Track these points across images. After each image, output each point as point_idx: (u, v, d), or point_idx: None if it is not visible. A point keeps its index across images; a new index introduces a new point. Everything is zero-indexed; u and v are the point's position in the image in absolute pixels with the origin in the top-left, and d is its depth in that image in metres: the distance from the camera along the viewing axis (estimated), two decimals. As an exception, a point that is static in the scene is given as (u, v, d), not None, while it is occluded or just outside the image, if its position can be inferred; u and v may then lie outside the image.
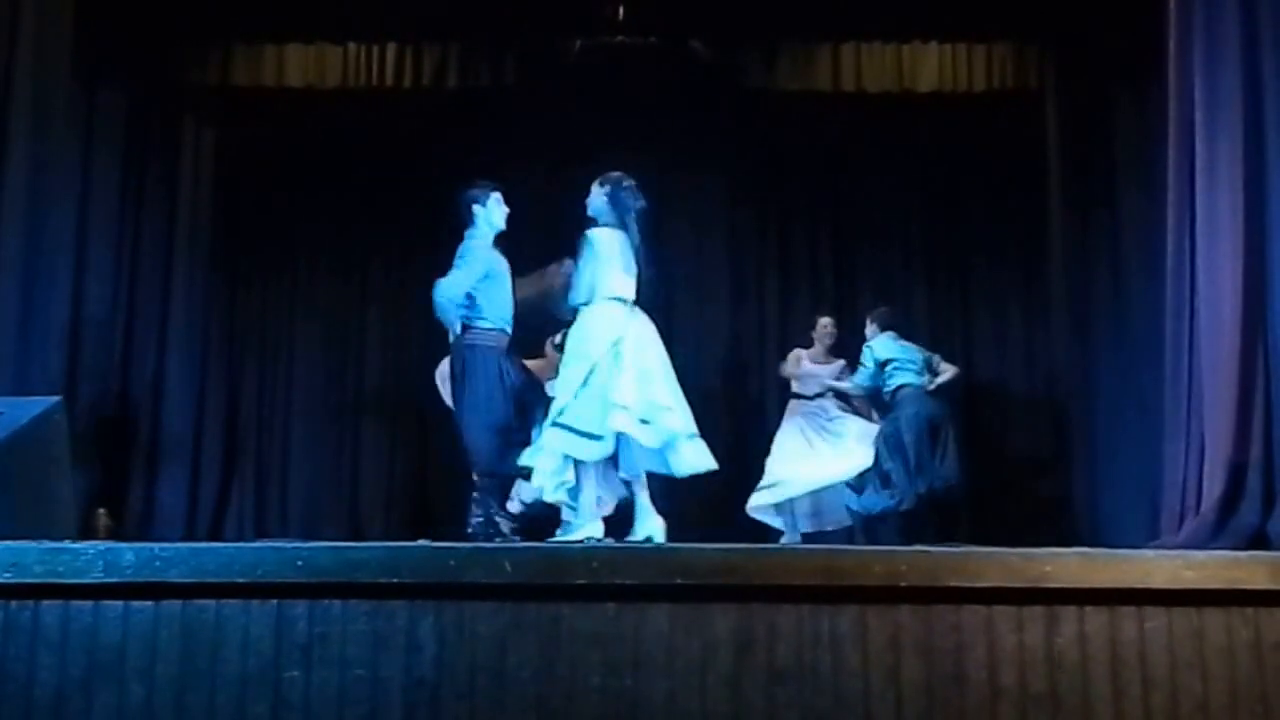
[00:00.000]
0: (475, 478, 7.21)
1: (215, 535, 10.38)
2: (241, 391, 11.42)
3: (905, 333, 10.07)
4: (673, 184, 11.38)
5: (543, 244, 11.18)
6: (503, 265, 7.32)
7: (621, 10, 9.91)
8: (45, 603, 4.20)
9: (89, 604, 4.20)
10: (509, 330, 7.28)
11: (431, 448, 10.37)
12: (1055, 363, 10.46)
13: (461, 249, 7.27)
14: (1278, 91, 6.22)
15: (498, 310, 7.23)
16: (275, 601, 4.20)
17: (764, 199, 11.78)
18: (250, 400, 11.44)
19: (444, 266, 11.57)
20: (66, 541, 4.73)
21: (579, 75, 10.48)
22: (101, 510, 8.91)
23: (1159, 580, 4.31)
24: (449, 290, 7.18)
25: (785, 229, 11.78)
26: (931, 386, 9.64)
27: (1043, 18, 10.02)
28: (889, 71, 10.58)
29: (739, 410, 11.04)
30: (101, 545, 4.40)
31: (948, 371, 9.80)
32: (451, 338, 7.33)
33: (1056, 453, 10.38)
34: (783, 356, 11.05)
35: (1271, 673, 4.27)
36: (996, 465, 11.08)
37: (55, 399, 6.30)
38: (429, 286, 11.60)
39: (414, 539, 8.36)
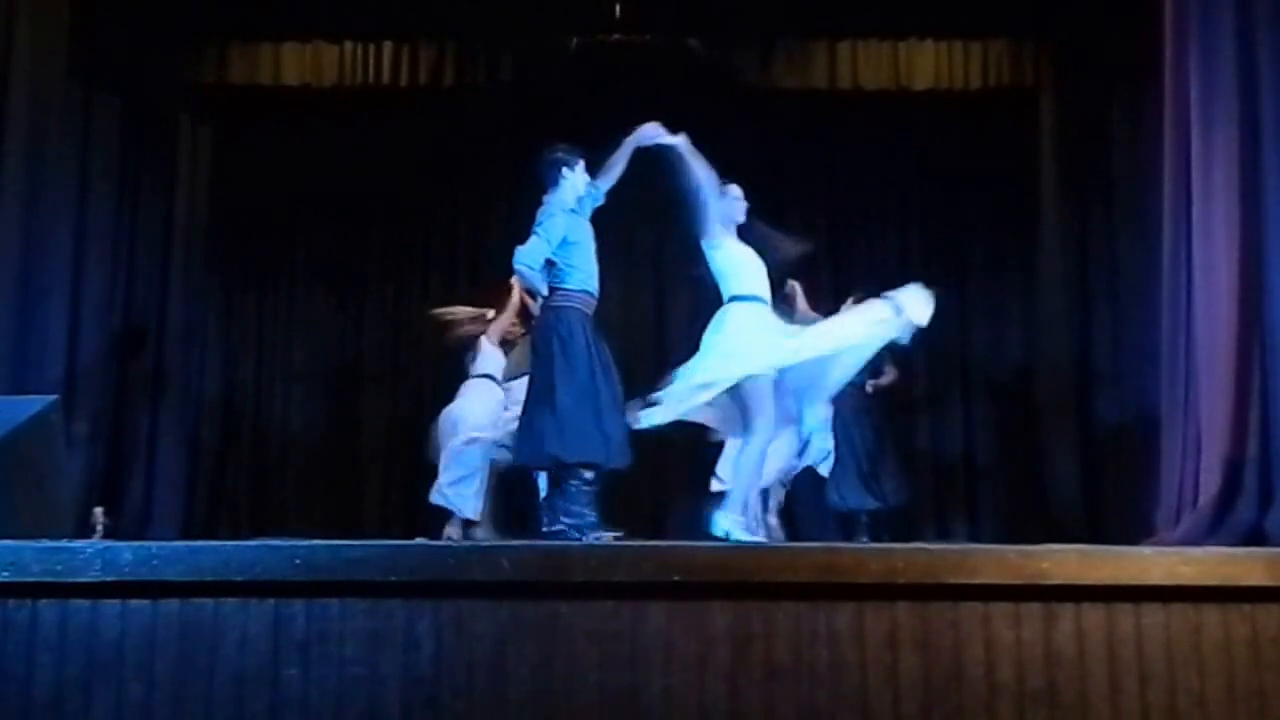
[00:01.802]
0: (561, 471, 6.64)
1: (212, 534, 10.38)
2: (239, 388, 11.43)
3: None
4: (667, 180, 11.37)
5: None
6: (585, 229, 6.95)
7: (618, 8, 9.92)
8: (43, 602, 4.19)
9: (86, 603, 4.19)
10: (595, 295, 6.89)
11: (429, 447, 10.34)
12: (1051, 359, 10.46)
13: (541, 214, 6.88)
14: (1273, 89, 6.23)
15: (582, 274, 6.85)
16: (273, 600, 4.20)
17: (760, 196, 11.74)
18: (248, 397, 11.45)
19: (441, 264, 11.70)
20: (64, 540, 4.74)
21: (576, 73, 10.48)
22: (98, 509, 8.90)
23: (1156, 577, 4.31)
24: (527, 257, 6.74)
25: (781, 225, 11.76)
26: (869, 388, 9.66)
27: (1039, 15, 10.04)
28: (885, 69, 10.59)
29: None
30: (99, 544, 4.40)
31: (890, 374, 9.82)
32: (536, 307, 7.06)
33: (1053, 449, 10.38)
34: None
35: (1268, 668, 4.27)
36: (992, 462, 11.10)
37: (52, 398, 6.31)
38: (426, 283, 11.72)
39: (412, 537, 8.41)
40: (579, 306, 6.79)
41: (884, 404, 9.87)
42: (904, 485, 9.73)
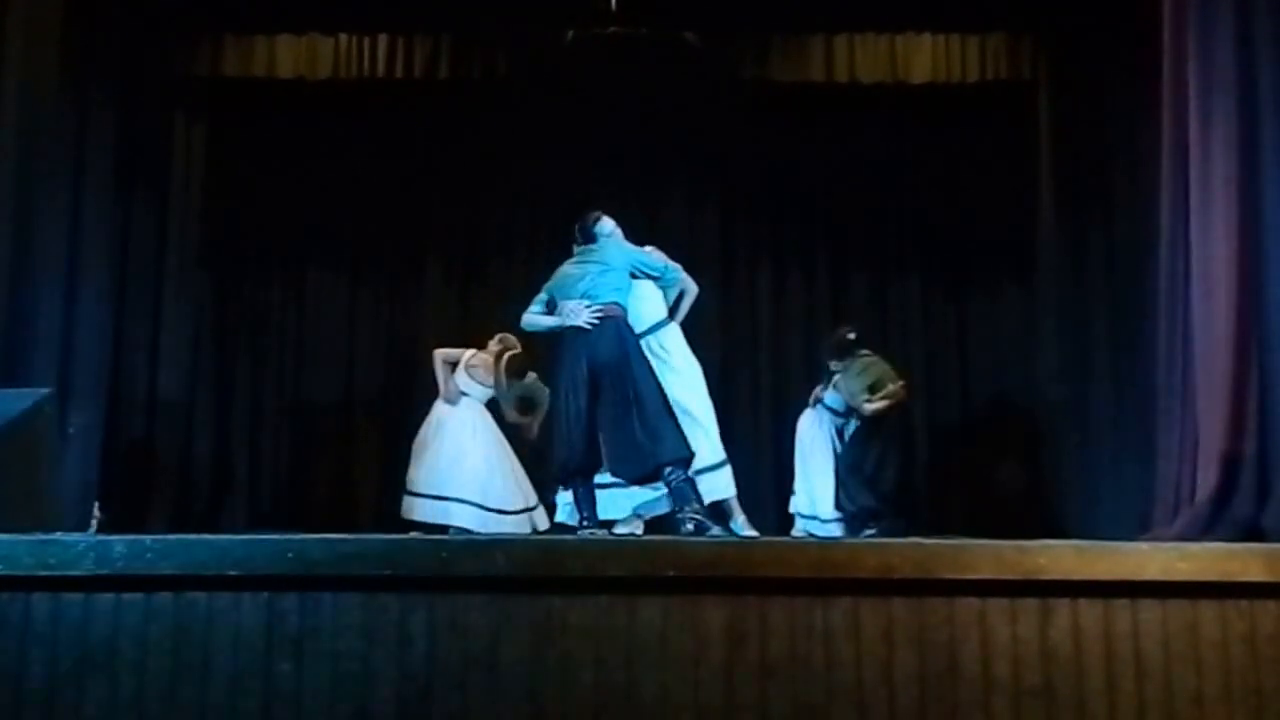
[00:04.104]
0: (669, 469, 6.79)
1: (208, 527, 10.36)
2: (234, 382, 11.41)
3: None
4: (664, 176, 11.38)
5: (535, 234, 11.27)
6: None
7: (614, 1, 9.89)
8: (36, 595, 4.19)
9: (80, 596, 4.19)
10: None
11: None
12: (1048, 353, 10.44)
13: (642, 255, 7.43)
14: (1272, 83, 6.22)
15: None
16: (267, 594, 4.19)
17: (757, 189, 11.77)
18: (243, 391, 11.43)
19: (438, 258, 11.68)
20: (57, 534, 4.73)
21: (571, 66, 10.46)
22: (94, 503, 8.88)
23: (1153, 573, 4.30)
24: None
25: (778, 219, 11.77)
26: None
27: (1036, 9, 10.02)
28: (882, 63, 10.57)
29: (729, 403, 11.01)
30: (92, 537, 4.41)
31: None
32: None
33: (1049, 444, 10.37)
34: (776, 347, 11.13)
35: (1266, 665, 4.26)
36: (989, 457, 11.08)
37: (45, 391, 6.29)
38: (422, 276, 11.70)
39: (406, 532, 8.38)
40: None
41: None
42: (906, 487, 9.80)
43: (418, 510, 8.91)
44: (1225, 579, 4.32)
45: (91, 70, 9.16)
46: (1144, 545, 5.00)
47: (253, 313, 11.57)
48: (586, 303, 6.94)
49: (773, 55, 10.69)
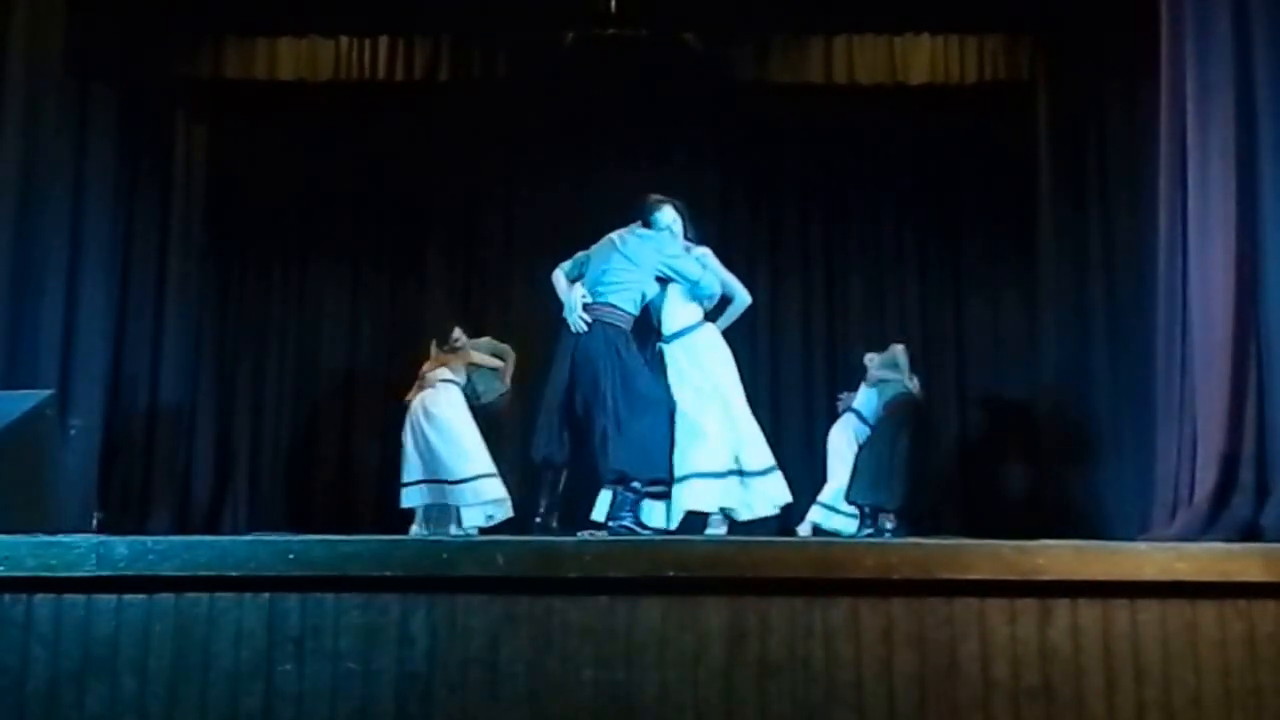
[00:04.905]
0: (634, 483, 6.63)
1: (209, 528, 10.37)
2: (236, 384, 11.43)
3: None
4: (664, 177, 11.37)
5: (535, 234, 11.28)
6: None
7: (614, 3, 9.90)
8: (38, 596, 4.19)
9: (82, 597, 4.18)
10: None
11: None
12: (1047, 354, 10.46)
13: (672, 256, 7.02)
14: (1270, 83, 6.22)
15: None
16: (267, 595, 4.19)
17: (756, 191, 11.79)
18: (244, 392, 11.44)
19: (437, 258, 11.68)
20: (59, 535, 4.74)
21: (571, 68, 10.47)
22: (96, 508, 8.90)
23: (1151, 573, 4.30)
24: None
25: (777, 221, 11.79)
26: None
27: (1035, 10, 10.03)
28: (881, 63, 10.59)
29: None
30: (94, 539, 4.40)
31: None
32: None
33: (1048, 445, 10.38)
34: (774, 347, 11.15)
35: (1264, 665, 4.26)
36: (988, 458, 11.10)
37: (47, 392, 6.29)
38: (422, 277, 11.73)
39: (406, 532, 8.39)
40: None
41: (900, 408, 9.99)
42: (918, 486, 9.90)
43: (450, 496, 9.06)
44: (1224, 579, 4.32)
45: (93, 72, 9.19)
46: (1143, 545, 4.99)
47: (253, 313, 11.60)
48: (586, 298, 6.78)
49: (772, 56, 10.71)
